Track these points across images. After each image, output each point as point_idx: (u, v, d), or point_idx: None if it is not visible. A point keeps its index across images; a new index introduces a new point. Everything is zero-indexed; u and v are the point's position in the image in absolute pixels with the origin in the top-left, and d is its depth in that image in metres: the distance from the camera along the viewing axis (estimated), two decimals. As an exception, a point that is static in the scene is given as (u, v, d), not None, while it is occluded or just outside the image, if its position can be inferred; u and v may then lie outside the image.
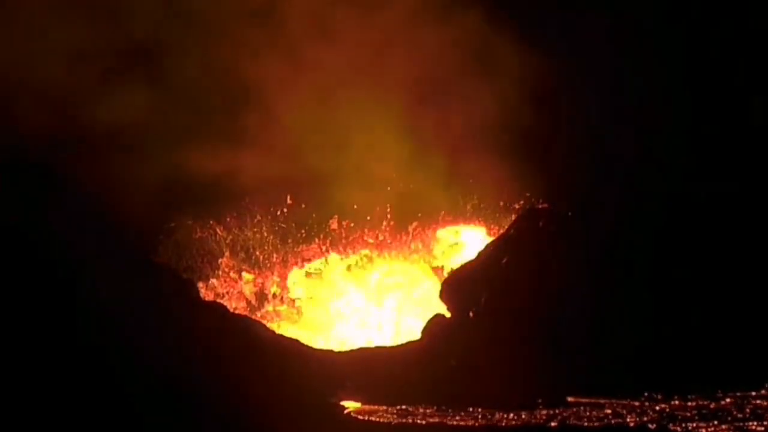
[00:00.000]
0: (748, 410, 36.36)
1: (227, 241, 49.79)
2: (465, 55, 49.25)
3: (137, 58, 47.84)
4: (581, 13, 48.47)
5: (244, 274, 49.78)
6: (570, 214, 45.24)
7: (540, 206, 47.27)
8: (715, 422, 35.71)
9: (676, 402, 37.76)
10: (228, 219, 49.96)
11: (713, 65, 46.78)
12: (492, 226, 49.66)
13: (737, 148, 44.83)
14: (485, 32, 48.66)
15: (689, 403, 37.51)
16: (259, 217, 50.19)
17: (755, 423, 35.43)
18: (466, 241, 50.07)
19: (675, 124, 45.90)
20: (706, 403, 37.30)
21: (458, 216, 50.33)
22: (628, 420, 36.82)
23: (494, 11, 48.53)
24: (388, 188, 49.77)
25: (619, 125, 46.43)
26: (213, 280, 49.40)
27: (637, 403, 38.10)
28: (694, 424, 35.70)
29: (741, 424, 35.43)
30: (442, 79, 49.34)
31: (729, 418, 35.90)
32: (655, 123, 46.16)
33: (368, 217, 50.32)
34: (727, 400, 37.37)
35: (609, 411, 37.69)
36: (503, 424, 37.42)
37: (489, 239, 49.08)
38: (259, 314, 48.94)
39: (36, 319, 39.96)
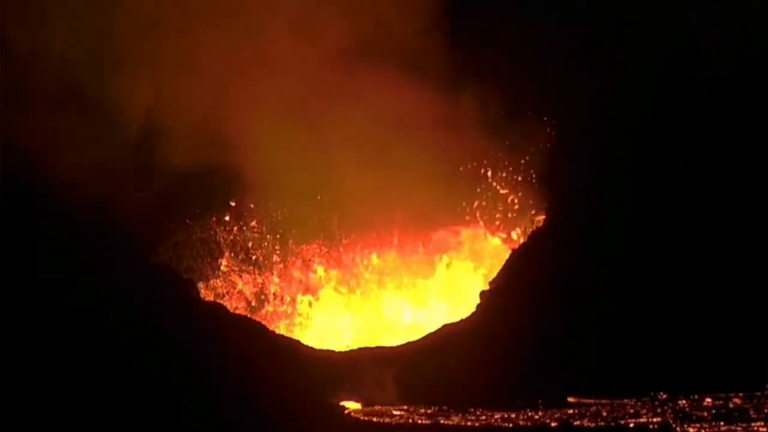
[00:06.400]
0: (766, 411, 36.20)
1: (227, 241, 49.78)
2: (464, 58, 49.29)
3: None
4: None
5: (243, 274, 49.81)
6: (570, 213, 45.20)
7: (539, 207, 47.36)
8: (721, 423, 35.58)
9: (682, 402, 37.65)
10: (228, 219, 49.96)
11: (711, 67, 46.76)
12: (492, 226, 49.67)
13: (737, 149, 44.74)
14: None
15: (703, 403, 37.40)
16: (259, 218, 50.20)
17: (760, 424, 35.29)
18: (465, 242, 50.06)
19: (676, 125, 45.88)
20: (718, 403, 37.16)
21: (459, 217, 50.27)
22: (630, 420, 36.71)
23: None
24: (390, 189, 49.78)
25: (617, 125, 46.34)
26: (213, 281, 49.38)
27: (640, 403, 38.02)
28: (698, 425, 35.56)
29: (746, 425, 35.28)
30: (442, 81, 49.30)
31: (736, 419, 35.76)
32: (655, 124, 46.14)
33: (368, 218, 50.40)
34: (736, 401, 37.22)
35: (610, 411, 37.60)
36: (503, 424, 37.35)
37: (489, 239, 49.12)
38: (259, 315, 48.97)
39: (36, 319, 39.96)
